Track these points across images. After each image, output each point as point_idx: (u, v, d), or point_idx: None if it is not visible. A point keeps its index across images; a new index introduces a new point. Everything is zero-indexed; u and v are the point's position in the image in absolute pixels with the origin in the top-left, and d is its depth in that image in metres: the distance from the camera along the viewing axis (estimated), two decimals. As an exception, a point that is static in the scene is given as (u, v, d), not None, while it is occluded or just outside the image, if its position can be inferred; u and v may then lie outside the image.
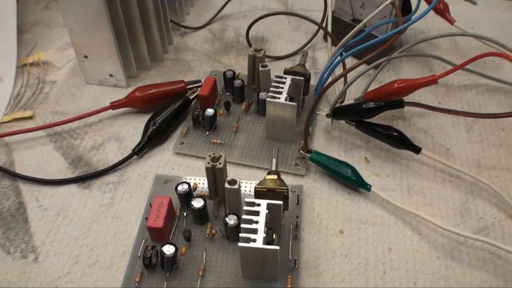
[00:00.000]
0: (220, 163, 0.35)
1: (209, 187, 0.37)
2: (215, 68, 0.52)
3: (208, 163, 0.35)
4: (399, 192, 0.40)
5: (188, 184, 0.37)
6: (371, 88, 0.46)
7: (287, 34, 0.57)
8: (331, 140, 0.44)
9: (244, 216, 0.32)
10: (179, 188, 0.37)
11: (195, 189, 0.38)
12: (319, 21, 0.52)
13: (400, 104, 0.39)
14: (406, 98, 0.42)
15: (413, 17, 0.39)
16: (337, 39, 0.47)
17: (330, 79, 0.42)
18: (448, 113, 0.42)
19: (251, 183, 0.39)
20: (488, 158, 0.43)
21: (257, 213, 0.32)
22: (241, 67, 0.52)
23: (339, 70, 0.48)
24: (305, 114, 0.46)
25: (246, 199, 0.32)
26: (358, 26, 0.43)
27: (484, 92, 0.49)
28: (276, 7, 0.61)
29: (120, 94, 0.49)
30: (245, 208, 0.32)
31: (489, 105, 0.48)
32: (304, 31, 0.57)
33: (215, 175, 0.36)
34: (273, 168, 0.37)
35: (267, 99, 0.40)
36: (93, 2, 0.43)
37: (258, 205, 0.32)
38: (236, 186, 0.34)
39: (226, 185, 0.34)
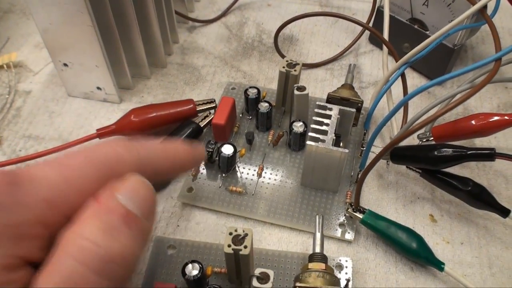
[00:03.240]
0: (245, 247, 0.25)
1: (228, 270, 0.27)
2: (232, 78, 0.41)
3: (229, 245, 0.25)
4: (478, 269, 0.30)
5: (200, 266, 0.27)
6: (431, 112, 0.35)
7: (322, 31, 0.45)
8: (385, 188, 0.34)
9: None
10: (188, 272, 0.27)
11: (209, 275, 0.28)
12: (362, 15, 0.41)
13: (491, 156, 0.29)
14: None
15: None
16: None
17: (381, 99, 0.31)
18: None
19: (287, 272, 0.29)
20: None
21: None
22: (265, 77, 0.41)
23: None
24: (350, 148, 0.35)
25: None
26: (434, 36, 0.32)
27: None
28: (306, -7, 0.49)
29: (111, 111, 0.39)
30: None
31: None
32: (343, 28, 0.45)
33: (238, 262, 0.26)
34: (317, 250, 0.27)
35: (308, 142, 0.30)
36: (71, -5, 0.32)
37: None
38: (269, 286, 0.24)
39: (255, 284, 0.24)
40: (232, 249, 0.25)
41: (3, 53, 0.43)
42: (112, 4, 0.35)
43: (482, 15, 0.31)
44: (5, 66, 0.42)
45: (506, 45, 0.29)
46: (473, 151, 0.29)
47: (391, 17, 0.40)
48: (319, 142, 0.30)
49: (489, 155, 0.29)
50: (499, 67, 0.27)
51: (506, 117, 0.31)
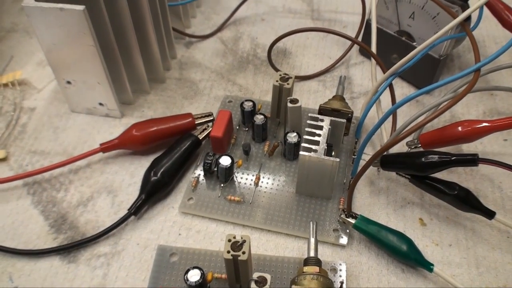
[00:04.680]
0: (244, 253, 0.27)
1: (228, 276, 0.29)
2: (228, 91, 0.43)
3: (228, 252, 0.27)
4: (466, 269, 0.32)
5: (201, 272, 0.28)
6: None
7: (314, 45, 0.47)
8: (376, 194, 0.36)
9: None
10: (190, 278, 0.28)
11: (210, 280, 0.30)
12: (353, 27, 0.43)
13: (475, 161, 0.30)
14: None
15: (495, 51, 0.29)
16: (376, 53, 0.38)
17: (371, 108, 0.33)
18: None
19: (284, 276, 0.31)
20: None
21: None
22: (261, 90, 0.43)
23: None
24: (343, 157, 0.37)
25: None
26: (419, 48, 0.34)
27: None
28: (299, 7, 0.51)
29: (113, 126, 0.40)
30: None
31: None
32: (334, 40, 0.47)
33: (237, 267, 0.27)
34: (312, 254, 0.28)
35: (301, 152, 0.31)
36: (73, 18, 0.33)
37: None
38: (266, 288, 0.26)
39: (253, 286, 0.26)
40: (231, 255, 0.26)
41: (7, 72, 0.45)
42: (113, 24, 0.36)
43: (462, 28, 0.33)
44: (10, 84, 0.43)
45: (491, 52, 0.31)
46: (457, 157, 0.31)
47: (379, 30, 0.42)
48: (312, 152, 0.31)
49: (472, 160, 0.30)
50: (478, 77, 0.29)
51: (488, 124, 0.33)
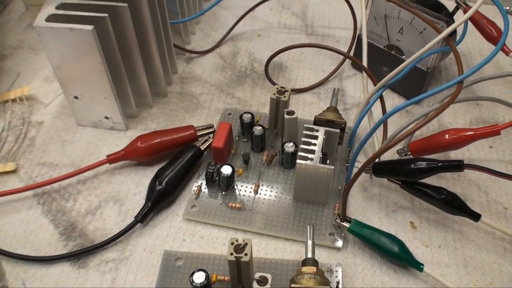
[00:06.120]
0: (246, 255, 0.28)
1: (231, 277, 0.31)
2: (228, 104, 0.45)
3: (231, 254, 0.28)
4: (455, 269, 0.34)
5: (206, 274, 0.30)
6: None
7: (308, 59, 0.49)
8: (369, 199, 0.38)
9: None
10: (195, 279, 0.30)
11: (214, 281, 0.32)
12: (345, 42, 0.45)
13: (460, 167, 0.33)
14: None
15: (478, 63, 0.32)
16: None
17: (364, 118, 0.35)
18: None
19: (283, 277, 0.33)
20: (555, 220, 0.36)
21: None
22: (258, 102, 0.45)
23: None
24: (337, 165, 0.39)
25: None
26: (407, 62, 0.36)
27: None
28: (293, 23, 0.54)
29: (118, 138, 0.42)
30: None
31: (549, 149, 0.41)
32: (327, 55, 0.50)
33: (240, 268, 0.29)
34: (309, 255, 0.30)
35: (298, 161, 0.33)
36: (82, 37, 0.35)
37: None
38: (267, 287, 0.28)
39: (255, 286, 0.28)
40: (234, 257, 0.28)
41: (15, 87, 0.47)
42: (119, 42, 0.38)
43: (447, 42, 0.36)
44: (18, 99, 0.45)
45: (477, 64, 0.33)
46: (444, 163, 0.33)
47: (370, 44, 0.44)
48: (308, 161, 0.33)
49: (458, 166, 0.32)
50: (461, 89, 0.31)
51: (473, 132, 0.35)
